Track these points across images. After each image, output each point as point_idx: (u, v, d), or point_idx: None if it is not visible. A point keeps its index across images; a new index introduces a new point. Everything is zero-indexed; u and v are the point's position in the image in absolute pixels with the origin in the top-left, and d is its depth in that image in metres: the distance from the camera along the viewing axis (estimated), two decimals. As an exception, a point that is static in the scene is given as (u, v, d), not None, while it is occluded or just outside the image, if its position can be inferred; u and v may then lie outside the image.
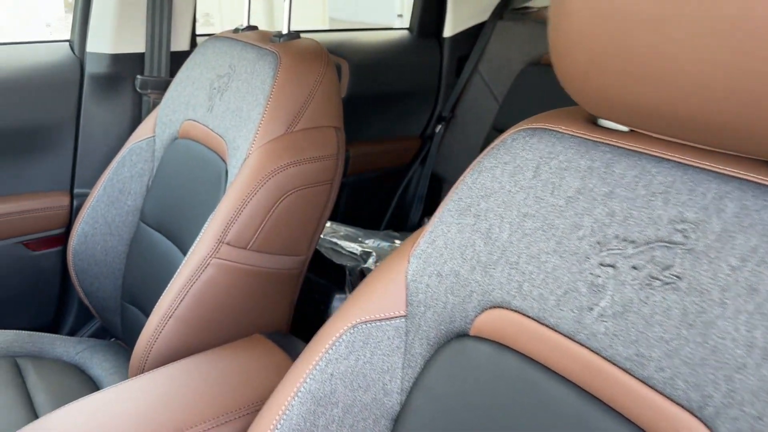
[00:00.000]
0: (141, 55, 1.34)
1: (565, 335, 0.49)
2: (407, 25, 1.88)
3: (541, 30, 1.67)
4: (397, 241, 1.51)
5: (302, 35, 1.08)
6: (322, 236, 1.46)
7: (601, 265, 0.48)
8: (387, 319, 0.61)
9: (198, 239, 0.91)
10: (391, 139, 1.88)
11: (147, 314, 1.13)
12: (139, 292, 1.16)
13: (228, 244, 0.89)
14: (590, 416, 0.47)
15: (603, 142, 0.52)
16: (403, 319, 0.60)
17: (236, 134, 0.98)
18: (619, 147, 0.51)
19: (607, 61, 0.45)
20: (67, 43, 1.35)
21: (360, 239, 1.48)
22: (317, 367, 0.61)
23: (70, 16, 1.37)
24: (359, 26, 1.96)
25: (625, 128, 0.52)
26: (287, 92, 0.94)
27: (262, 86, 0.96)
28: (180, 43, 1.38)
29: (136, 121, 1.36)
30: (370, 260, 1.30)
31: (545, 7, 1.79)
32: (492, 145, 0.60)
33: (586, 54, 0.46)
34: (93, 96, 1.33)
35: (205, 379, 0.76)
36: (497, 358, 0.53)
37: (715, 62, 0.39)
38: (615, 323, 0.46)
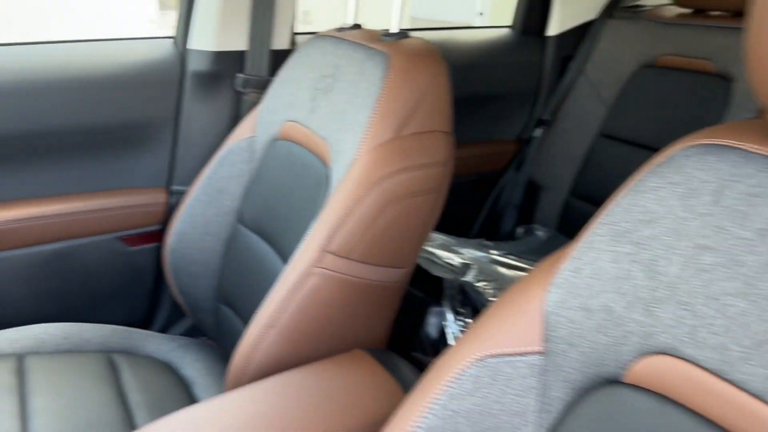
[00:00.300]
0: (241, 54, 1.33)
1: (755, 396, 0.41)
2: (488, 23, 1.79)
3: (656, 29, 1.54)
4: (493, 251, 1.43)
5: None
6: (415, 243, 1.40)
7: None
8: (520, 354, 0.54)
9: (301, 246, 0.87)
10: (486, 143, 1.80)
11: (241, 317, 1.11)
12: (235, 294, 1.14)
13: (332, 253, 0.84)
14: None
15: None
16: (538, 356, 0.53)
17: (341, 137, 0.94)
18: None
19: None
20: (171, 40, 1.35)
21: (453, 248, 1.42)
22: (438, 402, 0.55)
23: (166, 14, 1.37)
24: (439, 25, 1.90)
25: None
26: (397, 94, 0.89)
27: (370, 87, 0.91)
28: (280, 42, 1.35)
29: (234, 120, 1.35)
30: (471, 273, 1.23)
31: (661, 6, 1.66)
32: (654, 161, 0.52)
33: None
34: (193, 94, 1.33)
35: (310, 397, 0.72)
36: (661, 412, 0.46)
37: None
38: None
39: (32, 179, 1.25)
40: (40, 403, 0.94)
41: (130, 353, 1.16)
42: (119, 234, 1.34)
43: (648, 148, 1.51)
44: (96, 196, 1.30)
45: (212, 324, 1.23)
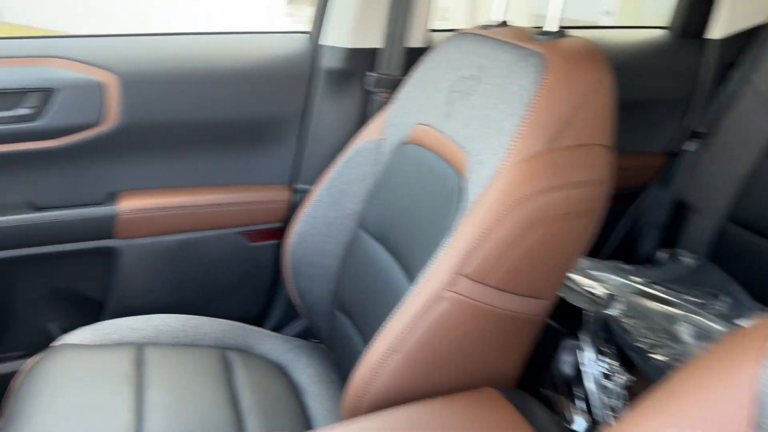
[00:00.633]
0: (373, 51, 1.27)
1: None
2: (616, 23, 1.62)
3: None
4: (634, 278, 1.28)
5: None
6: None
7: None
8: None
9: (431, 265, 0.79)
10: (629, 155, 1.64)
11: (358, 326, 1.05)
12: (352, 301, 1.09)
13: (467, 277, 0.75)
14: None
15: None
16: None
17: (482, 146, 0.84)
18: None
19: None
20: (306, 35, 1.32)
21: (588, 270, 1.28)
22: None
23: (298, 8, 1.34)
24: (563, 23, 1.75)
25: None
26: (553, 100, 0.78)
27: (521, 92, 0.81)
28: (415, 39, 1.28)
29: (362, 120, 1.29)
30: (617, 307, 1.09)
31: None
32: None
33: None
34: (323, 91, 1.29)
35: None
36: None
37: None
38: None
39: (161, 170, 1.27)
40: (155, 398, 0.94)
41: (244, 351, 1.15)
42: (242, 229, 1.33)
43: None
44: (221, 190, 1.30)
45: (326, 329, 1.19)
